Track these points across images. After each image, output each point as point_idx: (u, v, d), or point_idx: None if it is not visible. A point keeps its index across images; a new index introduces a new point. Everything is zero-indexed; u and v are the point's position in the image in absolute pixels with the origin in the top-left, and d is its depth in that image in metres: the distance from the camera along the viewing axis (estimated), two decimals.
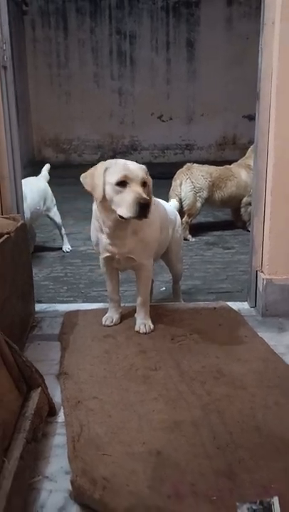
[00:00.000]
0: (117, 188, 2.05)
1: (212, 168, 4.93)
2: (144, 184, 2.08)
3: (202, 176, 4.78)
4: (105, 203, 2.12)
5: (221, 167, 5.03)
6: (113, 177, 2.05)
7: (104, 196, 2.09)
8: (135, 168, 2.08)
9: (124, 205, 2.04)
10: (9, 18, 2.40)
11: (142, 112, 10.55)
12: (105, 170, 2.09)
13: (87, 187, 2.15)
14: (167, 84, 10.51)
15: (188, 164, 4.97)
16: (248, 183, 4.73)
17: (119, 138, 10.64)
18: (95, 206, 2.32)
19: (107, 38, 10.31)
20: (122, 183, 2.04)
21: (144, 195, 2.02)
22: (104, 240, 2.29)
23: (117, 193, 2.05)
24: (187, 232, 4.67)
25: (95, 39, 10.32)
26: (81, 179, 2.17)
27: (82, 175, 2.17)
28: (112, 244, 2.28)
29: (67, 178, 8.37)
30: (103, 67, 10.46)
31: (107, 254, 2.34)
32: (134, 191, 2.02)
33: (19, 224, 2.38)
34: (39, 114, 10.43)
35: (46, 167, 4.37)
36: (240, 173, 5.00)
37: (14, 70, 2.51)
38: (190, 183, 4.72)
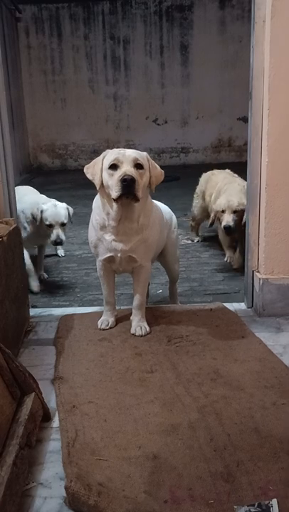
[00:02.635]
0: (110, 171, 2.12)
1: None
2: (138, 166, 2.11)
3: None
4: (105, 190, 2.18)
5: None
6: (107, 162, 2.13)
7: (102, 183, 2.16)
8: (128, 152, 2.15)
9: (112, 185, 2.09)
10: (2, 24, 2.40)
11: (137, 116, 10.57)
12: (104, 157, 2.17)
13: (89, 176, 2.24)
14: (162, 88, 10.54)
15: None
16: None
17: (114, 142, 10.63)
18: (95, 204, 2.32)
19: (101, 43, 10.34)
20: (114, 166, 2.11)
21: (130, 173, 2.05)
22: (107, 237, 2.28)
23: (110, 176, 2.12)
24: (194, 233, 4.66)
25: (89, 45, 10.35)
26: (84, 169, 2.26)
27: (86, 165, 2.27)
28: (117, 240, 2.27)
29: (63, 184, 8.45)
30: (98, 72, 10.49)
31: (109, 254, 2.32)
32: (121, 171, 2.08)
33: (12, 228, 2.36)
34: (35, 120, 10.45)
35: None
36: None
37: (9, 76, 2.51)
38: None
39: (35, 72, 10.38)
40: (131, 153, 2.13)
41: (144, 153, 2.20)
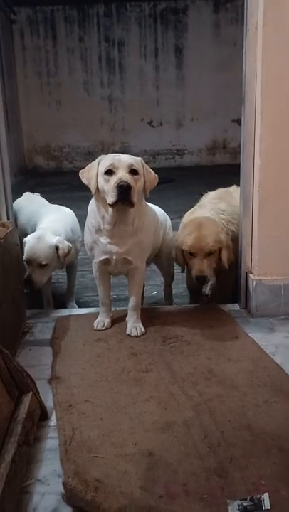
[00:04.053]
0: (106, 176, 2.15)
1: None
2: (133, 172, 2.15)
3: None
4: (100, 195, 2.21)
5: None
6: (102, 167, 2.16)
7: (98, 188, 2.19)
8: (124, 158, 2.18)
9: (108, 191, 2.13)
10: None
11: (132, 118, 10.63)
12: (99, 162, 2.20)
13: (84, 181, 2.27)
14: (156, 91, 10.60)
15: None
16: None
17: (109, 144, 10.69)
18: (90, 207, 2.35)
19: (96, 45, 10.40)
20: (109, 172, 2.14)
21: (125, 179, 2.09)
22: (103, 240, 2.31)
23: (106, 182, 2.15)
24: None
25: (83, 47, 10.40)
26: (80, 174, 2.29)
27: (81, 170, 2.30)
28: (112, 243, 2.30)
29: (58, 185, 8.47)
30: (93, 74, 10.54)
31: (104, 256, 2.36)
32: (117, 177, 2.11)
33: (9, 230, 2.39)
34: (30, 122, 10.48)
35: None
36: None
37: (3, 78, 2.54)
38: None
39: (30, 74, 10.41)
40: (126, 159, 2.17)
41: (139, 159, 2.24)
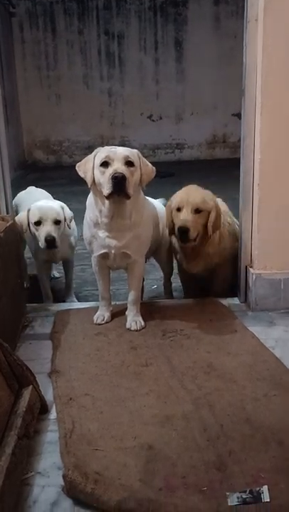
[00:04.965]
0: (101, 168, 2.14)
1: None
2: (129, 163, 2.14)
3: None
4: (97, 188, 2.20)
5: None
6: (98, 159, 2.16)
7: (94, 180, 2.18)
8: (120, 150, 2.18)
9: (104, 183, 2.12)
10: None
11: (131, 112, 10.57)
12: (95, 155, 2.19)
13: (81, 173, 2.25)
14: (156, 84, 10.54)
15: None
16: None
17: (109, 138, 10.63)
18: (88, 202, 2.35)
19: (96, 39, 10.32)
20: (105, 164, 2.13)
21: (121, 170, 2.08)
22: (101, 234, 2.31)
23: (102, 174, 2.14)
24: None
25: (83, 40, 10.32)
26: (76, 167, 2.28)
27: (77, 164, 2.29)
28: (111, 237, 2.30)
29: (58, 180, 8.44)
30: (92, 68, 10.47)
31: (103, 250, 2.35)
32: (112, 168, 2.10)
33: (9, 224, 2.39)
34: (29, 116, 10.41)
35: None
36: None
37: (2, 71, 2.52)
38: None
39: (30, 68, 10.33)
40: (122, 151, 2.17)
41: (135, 151, 2.23)
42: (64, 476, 1.45)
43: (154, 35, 10.32)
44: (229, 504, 1.35)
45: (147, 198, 2.52)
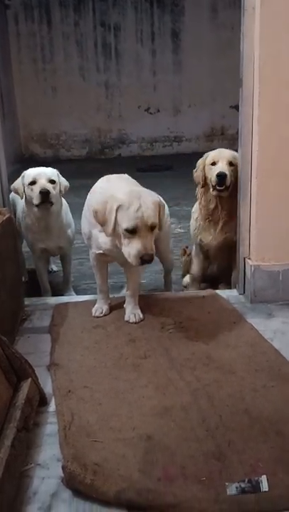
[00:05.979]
0: (127, 233, 2.05)
1: None
2: (153, 228, 2.09)
3: None
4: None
5: None
6: (124, 223, 2.04)
7: (114, 229, 2.10)
8: (148, 214, 2.04)
9: (129, 252, 2.07)
10: None
11: (129, 104, 10.50)
12: (118, 208, 2.05)
13: (98, 220, 2.15)
14: (153, 76, 10.46)
15: None
16: None
17: (106, 132, 10.59)
18: (88, 200, 2.33)
19: (92, 30, 10.22)
20: (132, 231, 2.04)
21: (149, 248, 2.04)
22: (100, 238, 2.29)
23: (126, 237, 2.07)
24: None
25: (79, 32, 10.22)
26: (92, 211, 2.18)
27: (95, 207, 2.15)
28: (111, 248, 2.28)
29: None
30: (88, 60, 10.38)
31: (100, 251, 2.35)
32: (140, 243, 2.03)
33: (5, 217, 2.38)
34: (25, 109, 10.34)
35: None
36: None
37: None
38: None
39: (25, 60, 10.24)
40: (149, 219, 2.07)
41: (158, 200, 2.16)
42: (63, 468, 1.45)
43: (151, 26, 10.23)
44: (228, 494, 1.36)
45: (145, 189, 2.48)
